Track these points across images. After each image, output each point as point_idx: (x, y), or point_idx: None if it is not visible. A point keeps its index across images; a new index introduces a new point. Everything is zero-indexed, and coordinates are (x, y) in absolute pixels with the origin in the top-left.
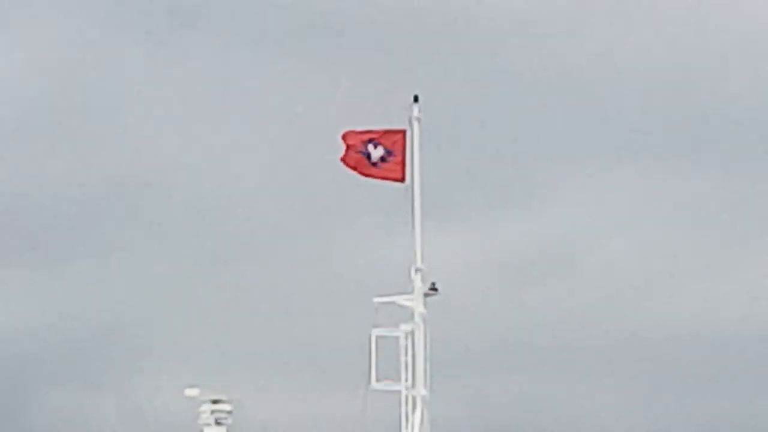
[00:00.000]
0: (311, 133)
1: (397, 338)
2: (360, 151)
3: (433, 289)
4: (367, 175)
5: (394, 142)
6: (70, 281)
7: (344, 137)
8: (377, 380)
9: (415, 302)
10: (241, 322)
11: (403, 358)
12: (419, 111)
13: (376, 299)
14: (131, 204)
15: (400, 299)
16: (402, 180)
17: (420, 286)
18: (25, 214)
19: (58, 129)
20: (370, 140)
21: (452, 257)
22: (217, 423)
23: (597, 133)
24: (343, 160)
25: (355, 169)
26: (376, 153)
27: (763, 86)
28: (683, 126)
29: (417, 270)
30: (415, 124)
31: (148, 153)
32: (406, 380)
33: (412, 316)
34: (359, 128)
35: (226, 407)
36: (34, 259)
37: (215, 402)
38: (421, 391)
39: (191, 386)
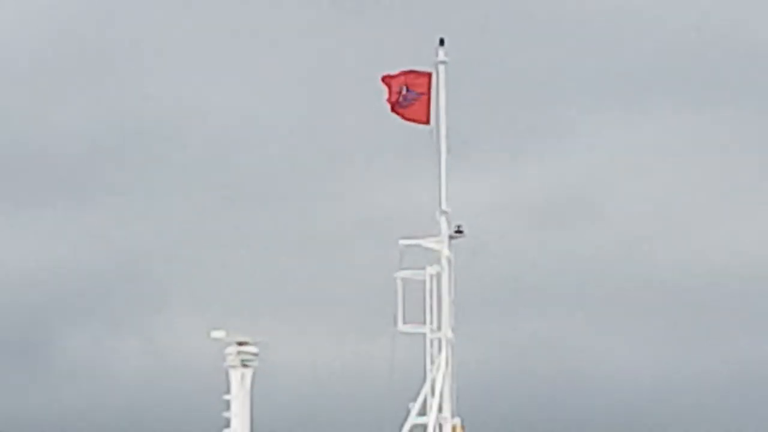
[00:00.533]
0: (334, 75)
1: (422, 281)
2: (397, 92)
3: (459, 231)
4: (394, 113)
5: (420, 84)
6: (94, 223)
7: (383, 78)
8: (404, 323)
9: (440, 245)
10: (265, 264)
11: (428, 301)
12: (445, 54)
13: (402, 242)
14: (155, 146)
15: (426, 242)
16: (427, 122)
17: (446, 228)
18: (50, 158)
19: (80, 74)
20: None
21: (476, 200)
22: (243, 365)
23: (619, 79)
24: (389, 101)
25: (392, 109)
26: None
27: None
28: (703, 73)
29: (442, 212)
30: (441, 68)
31: (169, 96)
32: (432, 323)
33: (437, 258)
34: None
35: (253, 349)
36: (58, 201)
37: (241, 344)
38: (447, 333)
39: (216, 328)
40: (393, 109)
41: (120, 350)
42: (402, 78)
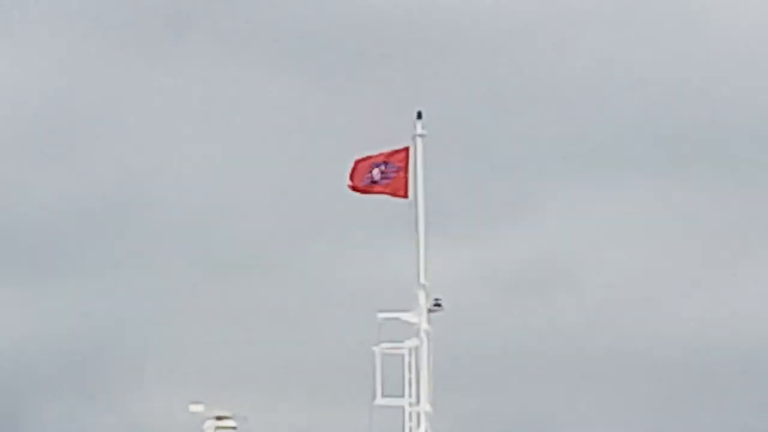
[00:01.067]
0: (312, 151)
1: (401, 354)
2: (367, 176)
3: (437, 305)
4: (372, 193)
5: (399, 159)
6: (66, 296)
7: (354, 165)
8: (382, 396)
9: (419, 318)
10: (242, 337)
11: (407, 375)
12: (422, 128)
13: (381, 315)
14: (128, 218)
15: (405, 315)
16: (405, 196)
17: (424, 302)
18: (18, 231)
19: (51, 143)
20: (376, 164)
21: (454, 272)
22: None
23: (597, 148)
24: (352, 186)
25: (362, 192)
26: (377, 171)
27: (759, 96)
28: (679, 139)
29: (420, 286)
30: (419, 141)
31: (143, 167)
32: (410, 396)
33: (416, 331)
34: (362, 151)
35: (231, 423)
36: (29, 275)
37: (219, 418)
38: (425, 407)
39: (195, 402)
40: (371, 189)
41: (94, 424)
42: (373, 160)
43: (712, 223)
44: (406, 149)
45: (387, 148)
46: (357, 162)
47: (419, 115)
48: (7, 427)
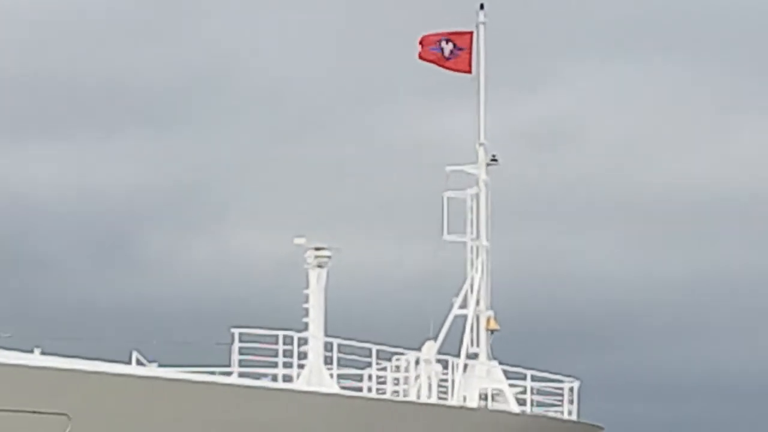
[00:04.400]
0: (382, 30)
1: (464, 200)
2: (435, 48)
3: (494, 160)
4: (440, 67)
5: (464, 40)
6: (169, 148)
7: (422, 39)
8: (449, 233)
9: (479, 171)
10: (331, 185)
11: (469, 216)
12: (485, 16)
13: (448, 168)
14: (223, 84)
15: (467, 168)
16: (470, 71)
17: (483, 157)
18: (130, 91)
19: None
20: (443, 38)
21: (500, 132)
22: (320, 266)
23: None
24: (421, 56)
25: (431, 62)
26: (448, 48)
27: None
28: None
29: (480, 144)
30: (481, 27)
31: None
32: (472, 234)
33: (476, 181)
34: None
35: (327, 253)
36: (140, 129)
37: (318, 249)
38: (484, 242)
39: (298, 236)
40: (440, 63)
41: (191, 249)
42: (440, 35)
43: (696, 92)
44: (471, 33)
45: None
46: (426, 36)
47: (482, 6)
48: (122, 251)
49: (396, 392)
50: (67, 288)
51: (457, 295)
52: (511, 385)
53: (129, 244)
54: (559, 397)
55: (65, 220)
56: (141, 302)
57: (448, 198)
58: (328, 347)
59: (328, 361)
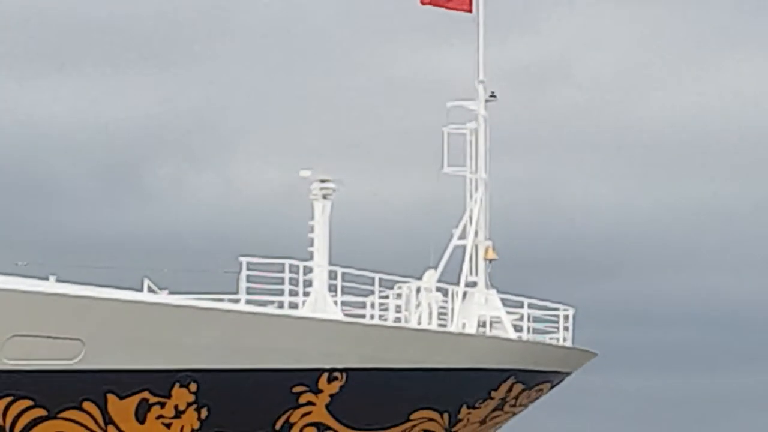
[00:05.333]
0: None
1: (464, 134)
2: None
3: (493, 96)
4: (442, 7)
5: None
6: (178, 81)
7: None
8: (449, 166)
9: (478, 106)
10: (332, 118)
11: (468, 150)
12: None
13: (449, 104)
14: (222, 20)
15: (467, 104)
16: (470, 11)
17: (482, 94)
18: (139, 25)
19: None
20: None
21: (496, 68)
22: (324, 197)
23: None
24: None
25: (433, 2)
26: None
27: None
28: None
29: (480, 81)
30: None
31: None
32: (471, 167)
33: (476, 117)
34: None
35: (332, 185)
36: (149, 63)
37: (323, 181)
38: (482, 174)
39: (305, 168)
40: (441, 4)
41: (199, 181)
42: None
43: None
44: None
45: None
46: None
47: None
48: (131, 180)
49: (397, 319)
50: (79, 218)
51: (456, 226)
52: (508, 313)
53: (138, 176)
54: (555, 324)
55: (77, 152)
56: (151, 232)
57: (449, 133)
58: (332, 276)
59: (332, 289)
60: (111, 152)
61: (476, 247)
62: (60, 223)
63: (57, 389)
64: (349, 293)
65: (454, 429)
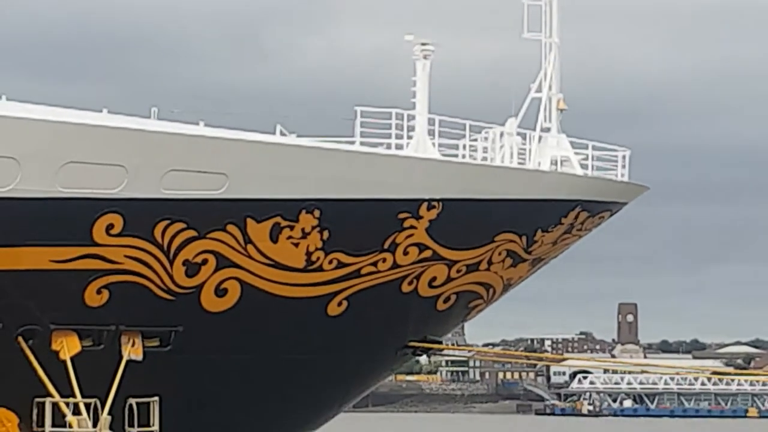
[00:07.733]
0: None
1: (540, 5)
2: None
3: None
4: None
5: None
6: None
7: None
8: (528, 32)
9: None
10: None
11: (543, 18)
12: None
13: None
14: None
15: None
16: None
17: None
18: None
19: None
20: None
21: None
22: (425, 57)
23: None
24: None
25: None
26: None
27: None
28: None
29: None
30: None
31: None
32: (546, 32)
33: None
34: None
35: (431, 47)
36: None
37: (424, 44)
38: (555, 39)
39: (408, 33)
40: None
41: (309, 44)
42: None
43: None
44: None
45: None
46: None
47: None
48: (251, 43)
49: (484, 158)
50: (208, 74)
51: (533, 81)
52: (576, 153)
53: (257, 38)
54: (614, 163)
55: (205, 18)
56: (274, 85)
57: (528, 4)
58: (431, 122)
59: (431, 133)
60: (232, 17)
61: (550, 99)
62: (193, 78)
63: (205, 214)
64: (444, 137)
65: (530, 249)
